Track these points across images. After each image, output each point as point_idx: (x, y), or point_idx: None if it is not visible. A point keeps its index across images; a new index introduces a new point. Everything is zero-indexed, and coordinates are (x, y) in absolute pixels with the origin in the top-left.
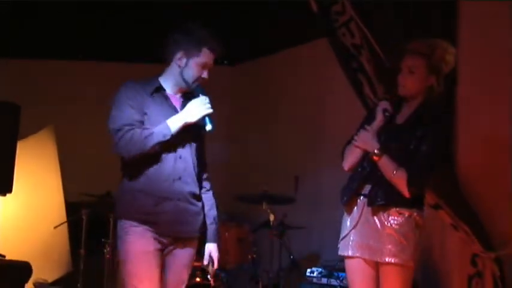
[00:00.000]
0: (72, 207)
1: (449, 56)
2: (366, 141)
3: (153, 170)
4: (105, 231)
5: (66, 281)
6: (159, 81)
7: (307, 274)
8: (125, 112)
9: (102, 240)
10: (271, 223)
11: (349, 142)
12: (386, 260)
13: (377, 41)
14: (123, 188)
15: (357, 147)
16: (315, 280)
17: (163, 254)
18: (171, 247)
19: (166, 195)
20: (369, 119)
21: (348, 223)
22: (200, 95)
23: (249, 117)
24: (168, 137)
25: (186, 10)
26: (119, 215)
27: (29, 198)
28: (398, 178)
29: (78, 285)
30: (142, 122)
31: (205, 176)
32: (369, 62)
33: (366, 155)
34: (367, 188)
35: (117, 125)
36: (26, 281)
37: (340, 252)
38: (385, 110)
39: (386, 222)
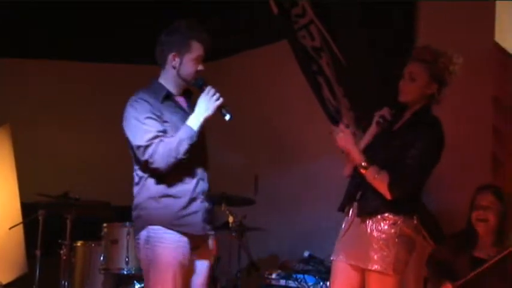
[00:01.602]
0: (28, 208)
1: (453, 66)
2: (350, 147)
3: (179, 173)
4: (62, 232)
5: (21, 283)
6: (165, 87)
7: (266, 276)
8: (148, 126)
9: (59, 241)
10: (230, 224)
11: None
12: (368, 266)
13: (337, 44)
14: (148, 195)
15: (340, 148)
16: (273, 282)
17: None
18: (195, 250)
19: (192, 196)
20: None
21: (343, 227)
22: (203, 86)
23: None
24: (195, 138)
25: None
26: (149, 220)
27: None
28: (379, 181)
29: (34, 286)
30: (165, 131)
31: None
32: (328, 65)
33: None
34: (359, 194)
35: (144, 141)
36: None
37: (332, 257)
38: (381, 117)
39: (372, 229)
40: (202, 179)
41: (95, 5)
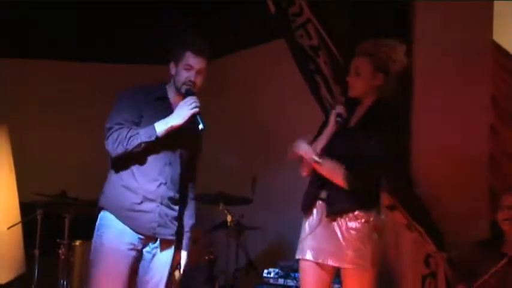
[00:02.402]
0: (26, 208)
1: (396, 54)
2: (301, 147)
3: (141, 171)
4: (60, 231)
5: (20, 282)
6: (165, 89)
7: (264, 275)
8: (119, 112)
9: (57, 240)
10: (228, 224)
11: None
12: (346, 266)
13: (334, 42)
14: (110, 181)
15: (297, 154)
16: (271, 281)
17: (140, 254)
18: (152, 247)
19: (150, 196)
20: (325, 123)
21: (307, 226)
22: (187, 96)
23: (205, 117)
24: (153, 138)
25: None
26: (103, 205)
27: None
28: (333, 172)
29: (32, 286)
30: (135, 123)
31: (192, 185)
32: (325, 64)
33: None
34: (324, 193)
35: (109, 123)
36: None
37: (297, 256)
38: (338, 115)
39: (344, 228)
40: (166, 185)
41: (95, 5)
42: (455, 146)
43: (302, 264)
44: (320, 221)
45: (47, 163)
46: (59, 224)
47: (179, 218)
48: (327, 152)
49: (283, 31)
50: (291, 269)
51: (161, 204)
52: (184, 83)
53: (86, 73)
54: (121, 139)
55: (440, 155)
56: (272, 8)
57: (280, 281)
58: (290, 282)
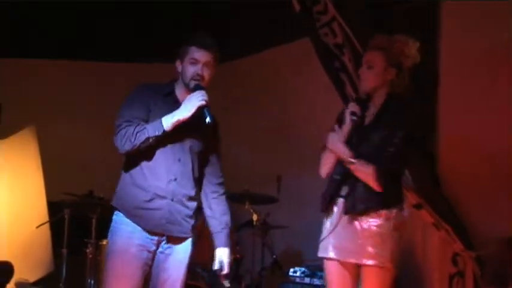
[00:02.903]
0: (54, 207)
1: (409, 49)
2: (337, 145)
3: (150, 168)
4: (88, 230)
5: (48, 281)
6: (173, 86)
7: (290, 274)
8: (128, 109)
9: (85, 240)
10: (254, 222)
11: (323, 148)
12: (364, 262)
13: (359, 40)
14: (121, 180)
15: (331, 151)
16: (297, 280)
17: (153, 255)
18: (165, 247)
19: (160, 193)
20: (340, 122)
21: (328, 225)
22: (195, 90)
23: (231, 117)
24: (160, 132)
25: (170, 10)
26: (115, 204)
27: (11, 198)
28: (367, 174)
29: (60, 285)
30: (144, 120)
31: (218, 181)
32: (350, 61)
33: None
34: (345, 190)
35: (118, 121)
36: (8, 281)
37: (319, 254)
38: (352, 113)
39: (364, 224)
40: (177, 181)
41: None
42: (481, 145)
43: (326, 263)
44: (340, 218)
45: (75, 163)
46: (86, 223)
47: (197, 215)
48: None
49: (308, 30)
50: (317, 267)
51: (172, 201)
52: (192, 78)
53: (114, 73)
54: (128, 135)
55: (467, 154)
56: (297, 7)
57: (307, 280)
58: (316, 281)
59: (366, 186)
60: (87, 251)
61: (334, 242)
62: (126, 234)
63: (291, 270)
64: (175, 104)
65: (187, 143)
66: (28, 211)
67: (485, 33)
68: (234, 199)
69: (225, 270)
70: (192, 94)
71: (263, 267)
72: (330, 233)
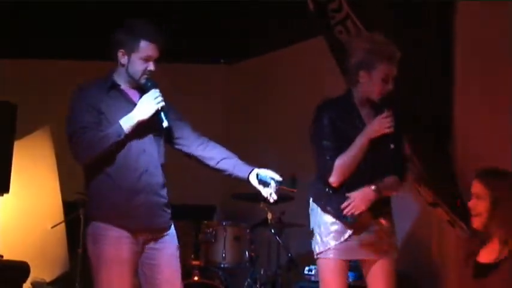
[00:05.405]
0: (69, 207)
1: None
2: (360, 202)
3: (118, 167)
4: None
5: (63, 281)
6: (113, 78)
7: (305, 272)
8: (78, 115)
9: None
10: (269, 221)
11: (330, 155)
12: (393, 256)
13: None
14: (91, 191)
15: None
16: (312, 278)
17: (141, 255)
18: (151, 244)
19: (135, 188)
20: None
21: (348, 228)
22: (150, 89)
23: (246, 115)
24: (122, 136)
25: (179, 8)
26: (92, 216)
27: (26, 198)
28: (392, 189)
29: (76, 284)
30: (97, 123)
31: (196, 134)
32: None
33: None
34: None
35: (70, 128)
36: (24, 280)
37: (345, 257)
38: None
39: (384, 223)
40: (148, 172)
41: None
42: (497, 145)
43: (335, 263)
44: (365, 220)
45: None
46: None
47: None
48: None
49: (322, 28)
50: None
51: (148, 193)
52: (143, 73)
53: None
54: (90, 144)
55: (483, 153)
56: (311, 5)
57: None
58: None
59: None
60: None
61: (361, 244)
62: (113, 240)
63: (306, 268)
64: (123, 98)
65: (146, 131)
66: (43, 211)
67: (499, 32)
68: (249, 198)
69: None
70: (149, 94)
71: (278, 266)
72: (350, 235)
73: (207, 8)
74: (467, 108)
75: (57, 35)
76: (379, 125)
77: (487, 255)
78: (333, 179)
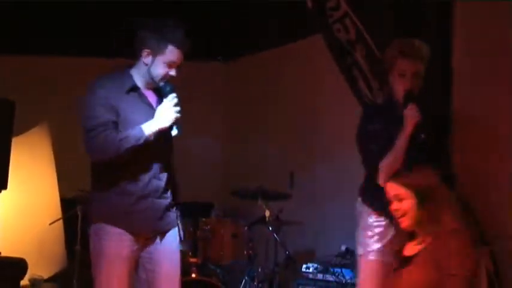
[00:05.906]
0: (67, 204)
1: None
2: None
3: (128, 172)
4: None
5: (61, 277)
6: (132, 79)
7: (303, 270)
8: (97, 112)
9: None
10: (267, 219)
11: (374, 156)
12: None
13: (372, 36)
14: (98, 191)
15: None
16: (310, 276)
17: (142, 249)
18: (153, 239)
19: (142, 193)
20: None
21: (382, 229)
22: (168, 94)
23: (244, 113)
24: (141, 141)
25: (176, 7)
26: (94, 217)
27: (24, 194)
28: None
29: (74, 281)
30: (115, 123)
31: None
32: (363, 58)
33: None
34: None
35: (89, 125)
36: (22, 277)
37: (383, 258)
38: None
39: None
40: (156, 177)
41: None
42: (497, 145)
43: (377, 265)
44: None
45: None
46: None
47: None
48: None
49: (321, 26)
50: (330, 263)
51: (154, 198)
52: (163, 78)
53: None
54: (110, 143)
55: (481, 150)
56: (309, 3)
57: (319, 276)
58: (329, 277)
59: None
60: None
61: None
62: (115, 236)
63: (304, 266)
64: (142, 100)
65: (157, 137)
66: (41, 208)
67: (499, 32)
68: (246, 195)
69: None
70: (168, 100)
71: (276, 263)
72: (384, 237)
73: (207, 7)
74: (467, 108)
75: (56, 32)
76: (410, 116)
77: (411, 248)
78: (380, 180)
